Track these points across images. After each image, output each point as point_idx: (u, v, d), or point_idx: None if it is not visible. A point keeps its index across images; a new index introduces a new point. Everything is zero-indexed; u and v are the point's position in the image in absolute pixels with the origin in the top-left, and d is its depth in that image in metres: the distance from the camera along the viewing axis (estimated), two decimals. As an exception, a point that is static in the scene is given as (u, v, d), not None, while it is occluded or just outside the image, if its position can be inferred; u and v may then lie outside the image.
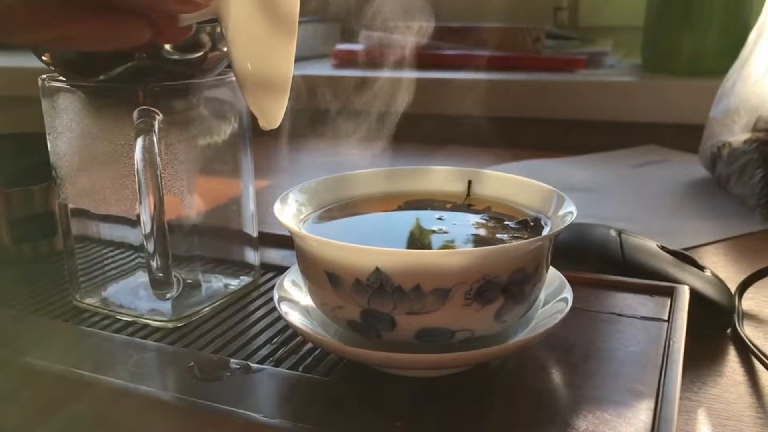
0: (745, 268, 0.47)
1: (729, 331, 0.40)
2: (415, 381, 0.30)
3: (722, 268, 0.50)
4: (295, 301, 0.33)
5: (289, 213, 0.32)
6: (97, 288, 0.39)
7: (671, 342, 0.32)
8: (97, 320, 0.36)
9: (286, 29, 0.29)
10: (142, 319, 0.36)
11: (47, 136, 0.37)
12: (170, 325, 0.35)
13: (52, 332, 0.35)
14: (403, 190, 0.37)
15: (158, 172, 0.33)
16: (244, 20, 0.28)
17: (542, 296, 0.33)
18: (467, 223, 0.33)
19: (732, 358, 0.38)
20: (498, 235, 0.32)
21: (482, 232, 0.32)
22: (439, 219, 0.34)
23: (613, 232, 0.44)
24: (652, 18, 0.91)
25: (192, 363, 0.31)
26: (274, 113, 0.30)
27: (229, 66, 0.34)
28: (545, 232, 0.32)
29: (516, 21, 1.03)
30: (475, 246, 0.31)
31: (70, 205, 0.38)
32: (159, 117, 0.33)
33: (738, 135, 0.64)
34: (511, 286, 0.28)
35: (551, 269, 0.33)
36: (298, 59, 0.30)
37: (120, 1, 0.24)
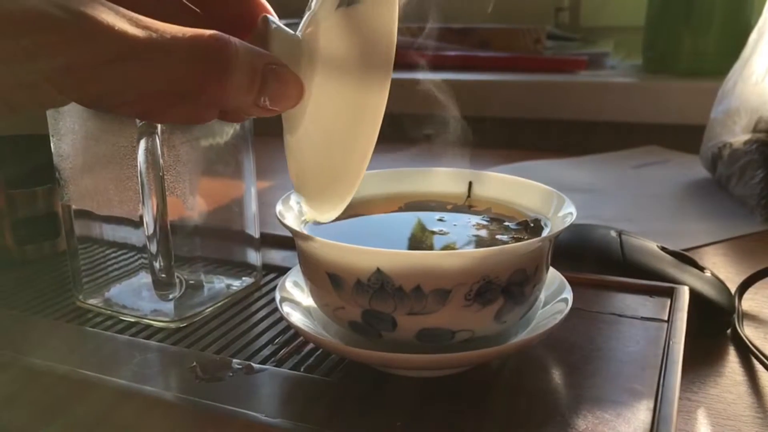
0: (746, 269, 0.47)
1: (729, 331, 0.40)
2: (415, 381, 0.30)
3: (722, 268, 0.50)
4: (297, 301, 0.33)
5: (291, 214, 0.32)
6: (100, 289, 0.39)
7: (671, 342, 0.32)
8: (100, 321, 0.37)
9: (367, 128, 0.26)
10: (144, 320, 0.36)
11: (51, 138, 0.37)
12: (173, 325, 0.36)
13: (55, 333, 0.35)
14: (404, 191, 0.37)
15: (161, 174, 0.34)
16: (316, 123, 0.27)
17: (542, 297, 0.33)
18: (468, 224, 0.33)
19: (732, 359, 0.38)
20: (498, 236, 0.32)
21: (482, 233, 0.32)
22: (440, 220, 0.34)
23: (613, 233, 0.44)
24: (653, 19, 0.91)
25: (194, 363, 0.31)
26: (328, 214, 0.29)
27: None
28: (545, 233, 0.32)
29: (517, 22, 1.03)
30: (476, 247, 0.31)
31: (74, 207, 0.38)
32: (161, 119, 0.33)
33: (739, 136, 0.64)
34: (511, 287, 0.28)
35: (551, 270, 0.34)
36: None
37: (209, 101, 0.24)
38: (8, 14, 0.19)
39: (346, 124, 0.26)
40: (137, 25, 0.21)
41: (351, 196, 0.28)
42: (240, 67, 0.23)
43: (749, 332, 0.40)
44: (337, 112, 0.26)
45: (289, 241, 0.45)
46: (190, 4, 0.28)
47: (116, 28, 0.20)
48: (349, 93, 0.26)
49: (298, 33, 0.27)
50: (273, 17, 0.27)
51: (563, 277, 0.34)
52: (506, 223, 0.33)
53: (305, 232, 0.30)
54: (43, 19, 0.19)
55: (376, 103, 0.25)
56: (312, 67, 0.26)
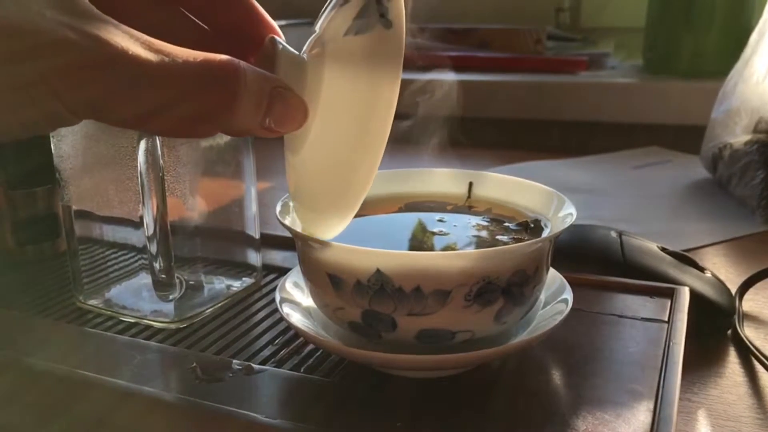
0: (746, 270, 0.47)
1: (729, 332, 0.40)
2: (415, 382, 0.30)
3: (723, 269, 0.50)
4: (297, 302, 0.33)
5: (291, 214, 0.32)
6: (100, 289, 0.39)
7: (671, 343, 0.32)
8: (100, 321, 0.37)
9: (370, 152, 0.26)
10: (145, 320, 0.36)
11: (51, 138, 0.37)
12: (173, 326, 0.36)
13: (55, 333, 0.36)
14: (404, 191, 0.37)
15: (161, 174, 0.34)
16: (319, 144, 0.27)
17: (542, 297, 0.33)
18: (468, 225, 0.33)
19: (732, 360, 0.38)
20: (498, 237, 0.32)
21: (483, 233, 0.32)
22: (440, 221, 0.34)
23: (613, 234, 0.44)
24: (654, 19, 0.91)
25: (194, 364, 0.31)
26: (327, 232, 0.29)
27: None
28: (545, 233, 0.32)
29: (517, 22, 1.03)
30: (476, 248, 0.31)
31: (74, 207, 0.38)
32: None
33: (739, 136, 0.64)
34: (511, 288, 0.28)
35: (552, 270, 0.34)
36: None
37: (217, 122, 0.24)
38: (25, 36, 0.19)
39: (351, 147, 0.27)
40: (150, 49, 0.21)
41: (352, 217, 0.28)
42: (248, 92, 0.23)
43: (750, 333, 0.40)
44: (342, 135, 0.27)
45: (289, 242, 0.45)
46: (199, 22, 0.28)
47: (130, 52, 0.20)
48: (354, 118, 0.26)
49: (303, 54, 0.27)
50: (280, 38, 0.28)
51: (563, 278, 0.34)
52: (506, 224, 0.33)
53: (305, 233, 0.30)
54: (59, 43, 0.19)
55: (381, 129, 0.26)
56: (317, 90, 0.26)
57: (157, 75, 0.21)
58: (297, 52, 0.27)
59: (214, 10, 0.28)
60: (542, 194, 0.34)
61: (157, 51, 0.21)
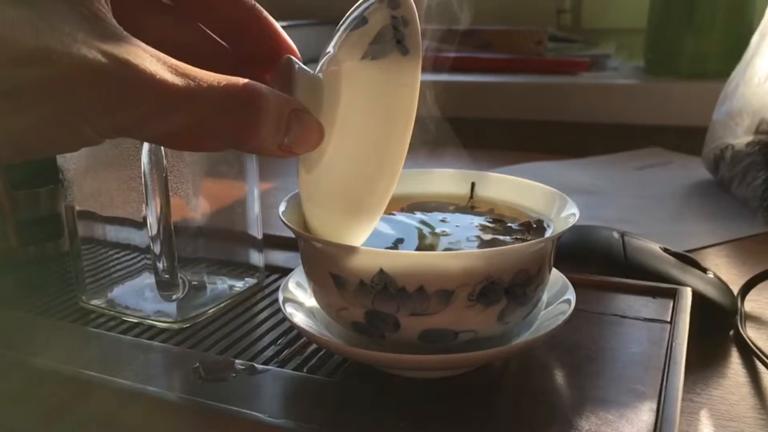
0: (748, 270, 0.47)
1: (732, 332, 0.40)
2: (418, 382, 0.30)
3: (725, 270, 0.50)
4: (300, 302, 0.33)
5: (294, 215, 0.32)
6: (103, 289, 0.39)
7: (674, 343, 0.32)
8: (104, 321, 0.37)
9: (387, 171, 0.27)
10: (147, 321, 0.36)
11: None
12: (176, 326, 0.36)
13: (58, 334, 0.36)
14: (407, 192, 0.37)
15: (164, 175, 0.34)
16: (335, 165, 0.27)
17: (545, 298, 0.33)
18: (470, 225, 0.34)
19: (734, 360, 0.38)
20: (501, 237, 0.32)
21: (485, 233, 0.32)
22: (443, 221, 0.34)
23: (615, 234, 0.44)
24: (655, 20, 0.91)
25: (197, 364, 0.31)
26: (347, 238, 0.29)
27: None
28: (548, 233, 0.32)
29: (518, 23, 1.04)
30: (478, 248, 0.31)
31: (77, 207, 0.38)
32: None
33: (741, 137, 0.64)
34: (514, 288, 0.28)
35: (554, 271, 0.34)
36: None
37: (236, 144, 0.25)
38: (56, 59, 0.19)
39: (366, 171, 0.27)
40: (177, 72, 0.21)
41: (365, 238, 0.28)
42: (269, 116, 0.24)
43: (752, 333, 0.40)
44: (357, 158, 0.27)
45: (291, 242, 0.45)
46: (218, 39, 0.29)
47: (158, 77, 0.21)
48: (370, 142, 0.27)
49: (318, 73, 0.28)
50: (296, 58, 0.28)
51: (566, 278, 0.34)
52: (509, 224, 0.33)
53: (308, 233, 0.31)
54: (89, 67, 0.19)
55: (396, 154, 0.26)
56: (333, 112, 0.26)
57: (183, 100, 0.21)
58: (313, 72, 0.28)
59: (234, 27, 0.28)
60: (545, 194, 0.34)
61: (183, 75, 0.21)
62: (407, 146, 0.26)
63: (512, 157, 0.82)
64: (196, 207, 0.38)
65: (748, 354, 0.38)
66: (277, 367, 0.31)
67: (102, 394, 0.30)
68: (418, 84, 0.26)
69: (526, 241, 0.31)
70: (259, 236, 0.41)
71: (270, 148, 0.25)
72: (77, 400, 0.31)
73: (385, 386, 0.30)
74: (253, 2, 0.28)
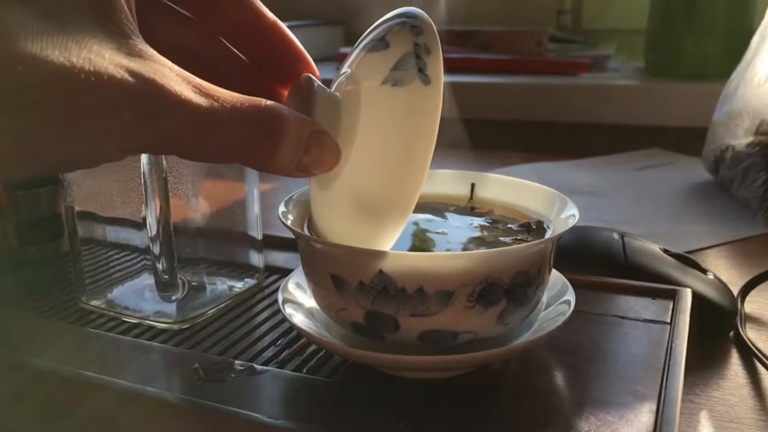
0: (748, 271, 0.47)
1: (732, 334, 0.40)
2: (418, 383, 0.30)
3: (725, 271, 0.50)
4: (299, 303, 0.33)
5: (294, 215, 0.32)
6: (103, 290, 0.39)
7: (673, 344, 0.32)
8: (103, 322, 0.37)
9: (406, 192, 0.27)
10: (147, 321, 0.36)
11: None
12: (175, 326, 0.36)
13: (58, 334, 0.36)
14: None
15: (164, 175, 0.34)
16: (352, 185, 0.27)
17: (545, 299, 0.33)
18: (470, 226, 0.34)
19: (734, 361, 0.38)
20: (501, 238, 0.32)
21: (485, 234, 0.32)
22: (443, 222, 0.34)
23: (615, 235, 0.44)
24: (655, 21, 0.91)
25: (197, 364, 0.31)
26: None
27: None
28: (548, 234, 0.32)
29: (519, 24, 1.04)
30: (478, 249, 0.31)
31: (77, 208, 0.38)
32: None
33: (741, 138, 0.64)
34: (513, 289, 0.28)
35: (554, 272, 0.34)
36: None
37: (255, 164, 0.25)
38: (84, 78, 0.19)
39: (383, 194, 0.27)
40: (201, 93, 0.21)
41: (389, 247, 0.28)
42: (290, 138, 0.24)
43: (752, 335, 0.40)
44: (375, 182, 0.27)
45: (291, 243, 0.46)
46: (237, 52, 0.29)
47: (182, 97, 0.21)
48: (389, 165, 0.27)
49: (335, 92, 0.28)
50: (315, 76, 0.28)
51: (566, 279, 0.34)
52: (509, 225, 0.33)
53: (307, 233, 0.31)
54: (116, 86, 0.20)
55: (415, 179, 0.26)
56: (351, 133, 0.27)
57: (207, 121, 0.22)
58: (332, 92, 0.28)
59: (254, 42, 0.29)
60: (544, 195, 0.34)
61: (207, 96, 0.22)
62: (426, 174, 0.26)
63: (512, 157, 0.82)
64: (196, 207, 0.38)
65: (748, 355, 0.38)
66: (277, 367, 0.31)
67: (101, 395, 0.30)
68: (439, 114, 0.26)
69: (526, 242, 0.31)
70: (259, 237, 0.41)
71: (288, 169, 0.25)
72: (77, 400, 0.31)
73: (384, 387, 0.30)
74: (275, 18, 0.28)
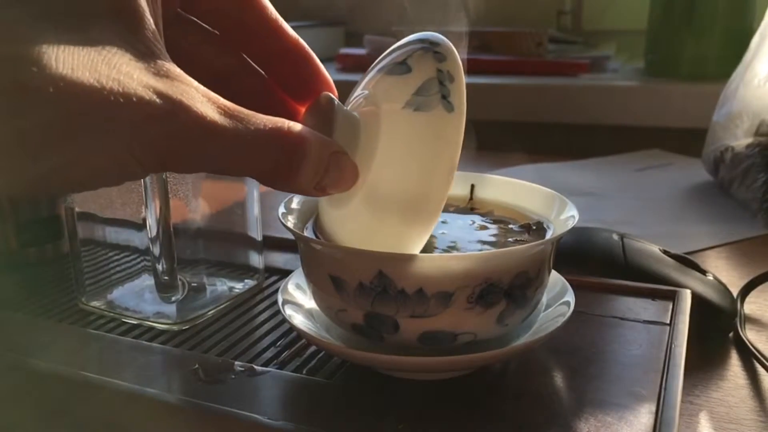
0: (748, 272, 0.47)
1: (731, 334, 0.40)
2: (417, 384, 0.30)
3: (725, 272, 0.50)
4: (299, 304, 0.33)
5: (294, 216, 0.32)
6: (102, 291, 0.39)
7: (673, 345, 0.32)
8: (103, 323, 0.37)
9: (425, 212, 0.27)
10: (147, 322, 0.36)
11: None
12: (175, 327, 0.36)
13: (58, 335, 0.36)
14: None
15: (164, 176, 0.34)
16: (370, 205, 0.27)
17: (544, 300, 0.33)
18: (470, 227, 0.34)
19: (734, 362, 0.38)
20: (500, 239, 0.32)
21: (485, 235, 0.32)
22: (442, 222, 0.34)
23: (615, 236, 0.44)
24: (655, 22, 0.91)
25: (197, 365, 0.31)
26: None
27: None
28: (547, 236, 0.32)
29: (519, 25, 1.04)
30: (478, 250, 0.31)
31: (77, 209, 0.39)
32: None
33: (741, 139, 0.64)
34: (513, 290, 0.28)
35: (553, 273, 0.34)
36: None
37: (275, 185, 0.25)
38: (112, 98, 0.19)
39: (403, 217, 0.27)
40: (226, 114, 0.22)
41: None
42: (311, 160, 0.24)
43: (751, 335, 0.40)
44: (394, 204, 0.27)
45: (291, 244, 0.46)
46: (258, 68, 0.29)
47: (208, 118, 0.21)
48: (409, 188, 0.26)
49: (352, 110, 0.28)
50: (334, 95, 0.29)
51: (565, 280, 0.34)
52: (509, 226, 0.33)
53: (307, 234, 0.31)
54: (144, 107, 0.20)
55: (435, 201, 0.26)
56: (370, 154, 0.27)
57: (230, 142, 0.22)
58: (352, 112, 0.28)
59: (275, 58, 0.29)
60: (544, 197, 0.34)
61: (232, 117, 0.22)
62: (445, 200, 0.27)
63: (512, 158, 0.82)
64: (196, 208, 0.38)
65: (748, 356, 0.38)
66: (277, 368, 0.31)
67: (101, 396, 0.30)
68: (461, 141, 0.26)
69: (526, 243, 0.31)
70: (259, 238, 0.41)
71: (306, 188, 0.25)
72: (77, 401, 0.31)
73: (384, 388, 0.30)
74: (297, 36, 0.29)
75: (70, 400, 0.31)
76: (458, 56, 0.27)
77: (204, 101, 0.21)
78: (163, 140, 0.21)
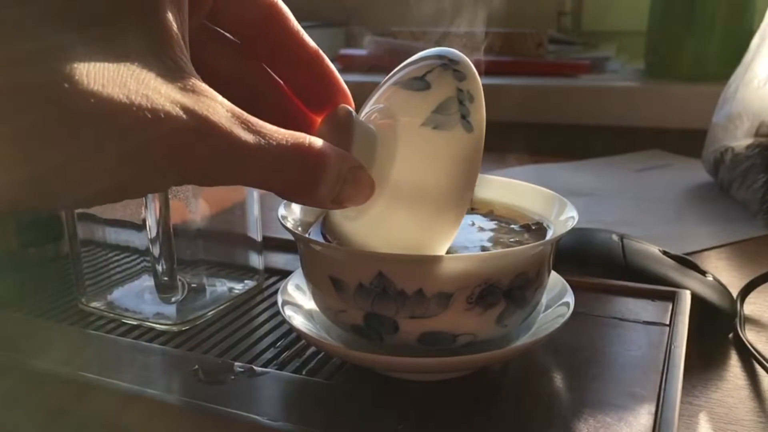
0: (748, 273, 0.47)
1: (731, 335, 0.40)
2: (417, 384, 0.30)
3: (724, 272, 0.50)
4: (299, 305, 0.33)
5: (294, 217, 0.32)
6: (102, 291, 0.40)
7: (672, 346, 0.32)
8: (103, 324, 0.37)
9: (435, 239, 0.27)
10: (147, 323, 0.36)
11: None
12: (175, 328, 0.36)
13: (57, 335, 0.36)
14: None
15: (164, 177, 0.34)
16: (387, 218, 0.27)
17: (544, 300, 0.33)
18: (469, 228, 0.34)
19: (734, 363, 0.38)
20: (500, 240, 0.32)
21: (484, 236, 0.32)
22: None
23: (615, 237, 0.44)
24: (655, 23, 0.91)
25: (196, 366, 0.31)
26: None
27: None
28: (548, 236, 0.32)
29: (519, 26, 1.04)
30: (478, 250, 0.31)
31: (77, 210, 0.39)
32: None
33: (741, 140, 0.64)
34: (512, 291, 0.28)
35: (553, 274, 0.34)
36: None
37: (293, 198, 0.26)
38: (141, 113, 0.19)
39: (419, 233, 0.27)
40: (249, 129, 0.22)
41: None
42: (330, 175, 0.24)
43: (751, 336, 0.40)
44: (411, 218, 0.27)
45: (291, 244, 0.46)
46: (276, 77, 0.29)
47: (233, 135, 0.21)
48: (426, 205, 0.27)
49: (370, 124, 0.28)
50: (352, 108, 0.29)
51: (565, 281, 0.34)
52: (511, 226, 0.33)
53: (315, 237, 0.31)
54: (171, 122, 0.20)
55: (453, 218, 0.27)
56: (387, 169, 0.27)
57: (253, 159, 0.22)
58: (370, 126, 0.28)
59: (294, 68, 0.29)
60: (544, 197, 0.35)
61: (255, 132, 0.22)
62: (462, 218, 0.27)
63: (512, 159, 0.82)
64: (196, 209, 0.38)
65: (747, 357, 0.38)
66: (277, 369, 0.31)
67: (101, 397, 0.30)
68: (480, 161, 0.26)
69: (525, 244, 0.31)
70: (259, 238, 0.41)
71: (323, 202, 0.25)
72: (76, 402, 0.31)
73: (384, 389, 0.30)
74: (317, 48, 0.29)
75: (69, 401, 0.31)
76: (477, 75, 0.27)
77: (228, 117, 0.22)
78: (189, 156, 0.21)
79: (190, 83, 0.21)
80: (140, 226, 0.37)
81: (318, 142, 0.24)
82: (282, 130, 0.23)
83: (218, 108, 0.21)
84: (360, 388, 0.30)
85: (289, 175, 0.23)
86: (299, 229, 0.31)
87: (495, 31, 1.05)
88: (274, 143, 0.22)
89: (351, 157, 0.26)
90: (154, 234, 0.34)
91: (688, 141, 0.81)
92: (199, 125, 0.21)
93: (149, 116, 0.20)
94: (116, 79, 0.19)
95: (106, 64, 0.19)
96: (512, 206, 0.36)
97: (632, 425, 0.27)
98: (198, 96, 0.21)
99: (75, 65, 0.19)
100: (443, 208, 0.27)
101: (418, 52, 0.29)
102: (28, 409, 0.32)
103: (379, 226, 0.27)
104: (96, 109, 0.19)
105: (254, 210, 0.40)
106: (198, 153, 0.21)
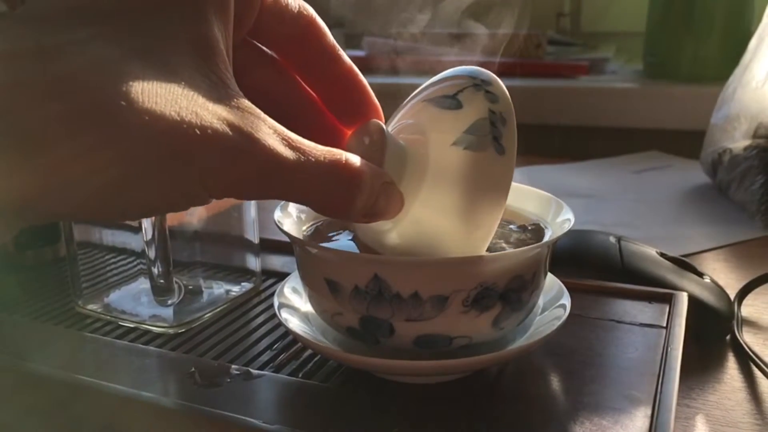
0: (745, 275, 0.47)
1: (728, 337, 0.40)
2: (413, 387, 0.30)
3: (722, 274, 0.50)
4: (295, 307, 0.33)
5: (290, 220, 0.32)
6: (99, 294, 0.39)
7: (669, 349, 0.32)
8: (99, 326, 0.37)
9: (473, 240, 0.27)
10: (143, 325, 0.36)
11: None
12: (171, 331, 0.36)
13: (54, 338, 0.36)
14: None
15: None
16: (407, 234, 0.27)
17: (541, 303, 0.33)
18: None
19: (731, 365, 0.38)
20: (496, 242, 0.32)
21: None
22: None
23: (612, 239, 0.44)
24: (654, 24, 0.91)
25: (193, 369, 0.31)
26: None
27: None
28: (546, 236, 0.32)
29: (518, 26, 1.03)
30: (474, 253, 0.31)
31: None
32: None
33: (739, 141, 0.64)
34: (508, 293, 0.28)
35: (550, 276, 0.34)
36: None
37: (328, 213, 0.26)
38: (190, 130, 0.20)
39: (449, 246, 0.27)
40: (290, 146, 0.22)
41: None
42: (364, 192, 0.25)
43: (748, 338, 0.40)
44: (439, 236, 0.27)
45: (288, 247, 0.45)
46: (310, 90, 0.30)
47: (275, 151, 0.22)
48: (454, 224, 0.27)
49: (401, 141, 0.28)
50: (383, 122, 0.29)
51: (561, 283, 0.34)
52: (510, 227, 0.33)
53: (303, 238, 0.31)
54: (218, 139, 0.20)
55: (482, 237, 0.27)
56: (417, 185, 0.27)
57: (293, 175, 0.23)
58: (401, 142, 0.28)
59: (328, 82, 0.30)
60: (540, 199, 0.34)
61: (295, 149, 0.23)
62: (490, 238, 0.27)
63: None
64: (192, 211, 0.38)
65: (745, 359, 0.38)
66: (273, 372, 0.31)
67: (97, 399, 0.30)
68: (510, 183, 0.27)
69: (521, 246, 0.31)
70: (256, 240, 0.41)
71: (356, 217, 0.26)
72: (72, 404, 0.31)
73: (380, 391, 0.30)
74: (351, 63, 0.29)
75: (66, 404, 0.31)
76: (509, 97, 0.27)
77: (271, 133, 0.22)
78: (233, 172, 0.21)
79: (235, 100, 0.22)
80: (136, 229, 0.37)
81: (354, 159, 0.24)
82: (320, 147, 0.23)
83: (261, 125, 0.22)
84: (356, 391, 0.30)
85: (326, 191, 0.24)
86: (295, 231, 0.31)
87: (495, 32, 1.05)
88: (313, 159, 0.23)
89: (384, 173, 0.26)
90: (149, 236, 0.34)
91: (686, 142, 0.81)
92: (245, 143, 0.21)
93: (198, 133, 0.20)
94: (168, 97, 0.20)
95: (159, 81, 0.20)
96: (509, 208, 0.36)
97: (628, 428, 0.27)
98: (243, 113, 0.21)
99: (131, 83, 0.19)
100: (472, 227, 0.27)
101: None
102: (23, 412, 0.32)
103: (406, 241, 0.28)
104: (149, 127, 0.19)
105: (251, 212, 0.40)
106: (242, 169, 0.21)
